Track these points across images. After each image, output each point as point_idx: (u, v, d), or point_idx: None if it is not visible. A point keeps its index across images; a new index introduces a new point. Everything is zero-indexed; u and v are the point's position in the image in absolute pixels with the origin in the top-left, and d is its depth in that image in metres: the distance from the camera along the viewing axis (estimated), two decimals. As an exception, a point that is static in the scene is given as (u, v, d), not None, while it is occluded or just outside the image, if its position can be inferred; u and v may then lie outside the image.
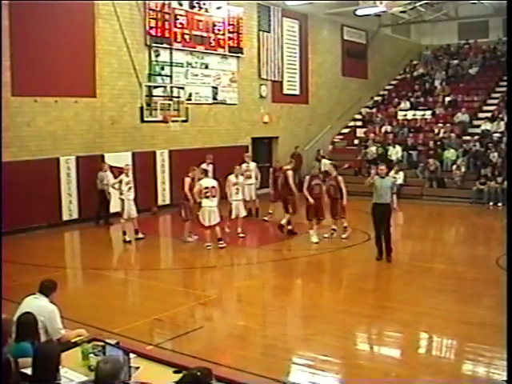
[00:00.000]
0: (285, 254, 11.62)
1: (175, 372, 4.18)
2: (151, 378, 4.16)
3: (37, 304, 5.21)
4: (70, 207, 14.30)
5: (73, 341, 4.95)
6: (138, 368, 4.29)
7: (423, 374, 6.03)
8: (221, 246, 11.50)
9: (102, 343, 4.49)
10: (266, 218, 14.49)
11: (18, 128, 13.19)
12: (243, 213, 12.61)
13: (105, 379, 3.57)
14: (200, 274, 10.49)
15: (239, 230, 12.50)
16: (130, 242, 12.35)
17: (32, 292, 5.48)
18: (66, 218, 14.20)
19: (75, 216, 14.39)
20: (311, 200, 11.81)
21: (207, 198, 11.31)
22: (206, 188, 11.34)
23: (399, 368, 6.15)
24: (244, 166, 14.37)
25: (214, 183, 11.51)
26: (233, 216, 12.39)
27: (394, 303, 8.17)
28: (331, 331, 7.21)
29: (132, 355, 4.33)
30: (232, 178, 12.47)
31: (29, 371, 4.04)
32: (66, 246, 13.53)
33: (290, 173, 12.69)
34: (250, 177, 14.44)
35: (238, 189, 12.44)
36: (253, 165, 14.93)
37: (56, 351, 3.99)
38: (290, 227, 12.69)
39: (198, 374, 3.45)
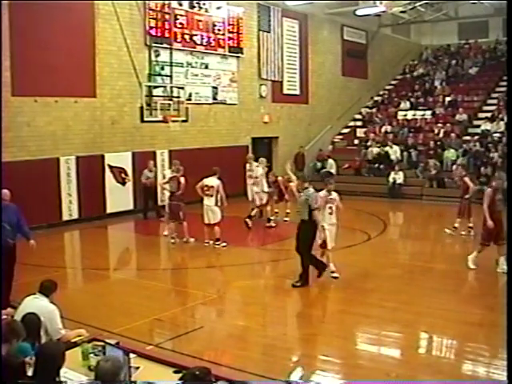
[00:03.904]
0: (285, 254, 11.61)
1: (175, 372, 4.19)
2: (151, 377, 4.16)
3: (37, 304, 5.22)
4: (70, 207, 14.31)
5: (73, 341, 4.95)
6: (137, 368, 4.29)
7: (423, 374, 6.02)
8: (217, 246, 11.56)
9: (102, 343, 4.50)
10: (271, 218, 14.52)
11: (18, 128, 13.19)
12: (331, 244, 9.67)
13: (105, 377, 3.58)
14: (200, 274, 10.49)
15: (332, 266, 9.55)
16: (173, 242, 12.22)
17: (32, 292, 5.49)
18: (66, 218, 14.21)
19: (75, 216, 14.40)
20: (490, 222, 9.36)
21: (206, 195, 11.58)
22: (206, 186, 11.60)
23: (399, 368, 6.15)
24: (247, 166, 14.74)
25: (214, 183, 11.58)
26: (329, 247, 9.55)
27: (393, 303, 8.16)
28: (331, 331, 7.22)
29: (132, 355, 4.33)
30: (323, 193, 9.55)
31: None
32: (65, 246, 13.53)
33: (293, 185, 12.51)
34: (251, 177, 14.68)
35: (331, 208, 9.55)
36: (255, 164, 14.99)
37: (61, 350, 3.99)
38: None
39: (197, 373, 3.49)
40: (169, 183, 12.11)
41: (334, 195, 9.59)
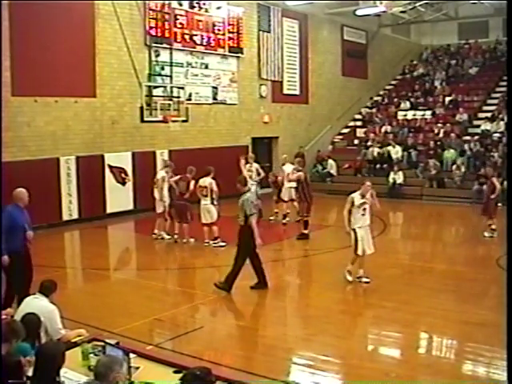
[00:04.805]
0: (285, 254, 11.62)
1: (175, 372, 4.19)
2: (151, 377, 4.16)
3: (37, 304, 5.22)
4: (70, 207, 14.31)
5: (73, 341, 4.95)
6: (137, 368, 4.29)
7: (423, 374, 6.03)
8: (215, 245, 11.58)
9: (102, 343, 4.49)
10: (271, 218, 14.55)
11: (18, 128, 13.20)
12: (370, 249, 9.14)
13: (99, 369, 3.66)
14: (200, 274, 10.49)
15: (361, 271, 9.14)
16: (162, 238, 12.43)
17: (32, 292, 5.49)
18: (66, 218, 14.21)
19: (75, 216, 14.40)
20: None
21: (203, 196, 11.67)
22: (200, 187, 11.69)
23: (399, 368, 6.15)
24: (247, 166, 14.74)
25: (206, 182, 11.61)
26: (359, 252, 9.02)
27: (393, 303, 8.16)
28: (331, 331, 7.22)
29: (132, 355, 4.33)
30: (356, 197, 8.92)
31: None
32: (66, 246, 13.53)
33: (301, 174, 12.60)
34: (250, 177, 14.69)
35: (365, 209, 8.90)
36: (255, 166, 15.00)
37: (61, 350, 4.00)
38: (305, 231, 12.47)
39: (198, 372, 3.49)
40: (177, 183, 12.11)
41: (368, 196, 8.92)
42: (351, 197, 8.92)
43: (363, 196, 8.87)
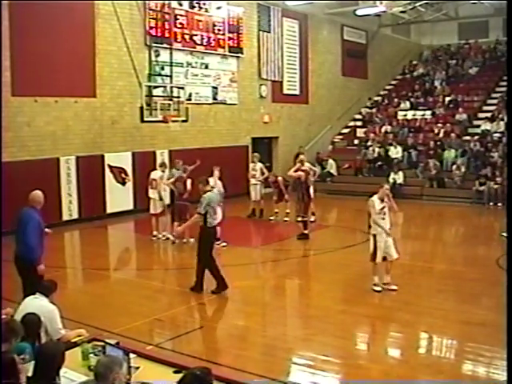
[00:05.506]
0: (285, 254, 11.62)
1: (175, 372, 4.19)
2: (151, 377, 4.17)
3: (37, 304, 5.22)
4: (70, 207, 14.31)
5: (73, 341, 4.95)
6: (137, 368, 4.30)
7: (423, 374, 6.02)
8: (216, 245, 11.57)
9: (102, 343, 4.50)
10: (271, 218, 14.55)
11: (18, 128, 13.19)
12: (394, 254, 8.71)
13: (99, 369, 3.67)
14: (200, 274, 10.46)
15: (376, 279, 8.70)
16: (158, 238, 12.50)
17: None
18: (66, 218, 14.20)
19: (75, 216, 14.40)
20: None
21: None
22: None
23: (399, 368, 6.16)
24: (251, 165, 14.96)
25: (212, 183, 11.59)
26: (378, 260, 8.63)
27: (394, 303, 8.17)
28: (331, 331, 7.22)
29: (132, 355, 4.33)
30: (376, 201, 8.57)
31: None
32: (65, 246, 13.51)
33: (302, 174, 12.61)
34: (254, 176, 14.76)
35: (385, 213, 8.63)
36: (259, 165, 15.04)
37: (61, 350, 4.00)
38: (305, 231, 12.43)
39: (198, 373, 3.49)
40: (175, 184, 12.08)
41: (386, 199, 8.60)
42: (372, 201, 8.58)
43: (382, 200, 8.59)
